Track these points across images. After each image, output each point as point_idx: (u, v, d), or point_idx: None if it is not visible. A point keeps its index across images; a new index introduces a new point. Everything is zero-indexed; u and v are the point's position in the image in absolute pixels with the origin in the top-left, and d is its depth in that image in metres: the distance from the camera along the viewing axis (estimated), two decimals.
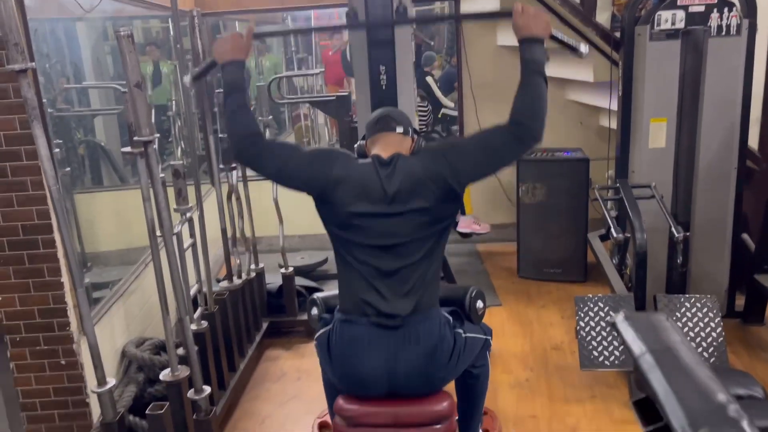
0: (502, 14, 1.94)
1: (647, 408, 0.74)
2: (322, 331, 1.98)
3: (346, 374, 1.91)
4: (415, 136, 2.03)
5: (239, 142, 1.91)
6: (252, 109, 2.12)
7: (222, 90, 1.98)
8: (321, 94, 4.32)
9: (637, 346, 0.76)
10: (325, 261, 4.14)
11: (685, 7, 2.95)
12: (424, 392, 1.91)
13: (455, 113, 5.53)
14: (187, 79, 2.19)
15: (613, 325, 0.84)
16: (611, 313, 2.67)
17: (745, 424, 0.61)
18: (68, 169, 3.30)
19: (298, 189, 1.93)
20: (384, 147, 1.95)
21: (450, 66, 7.16)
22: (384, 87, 2.33)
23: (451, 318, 1.95)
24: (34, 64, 1.92)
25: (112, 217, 3.84)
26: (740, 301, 3.26)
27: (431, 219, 1.85)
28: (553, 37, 1.89)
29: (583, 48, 1.92)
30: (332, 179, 1.86)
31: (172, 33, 5.43)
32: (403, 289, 1.85)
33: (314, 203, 1.93)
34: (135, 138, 1.95)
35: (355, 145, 2.10)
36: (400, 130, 1.97)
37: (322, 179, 1.87)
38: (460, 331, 1.96)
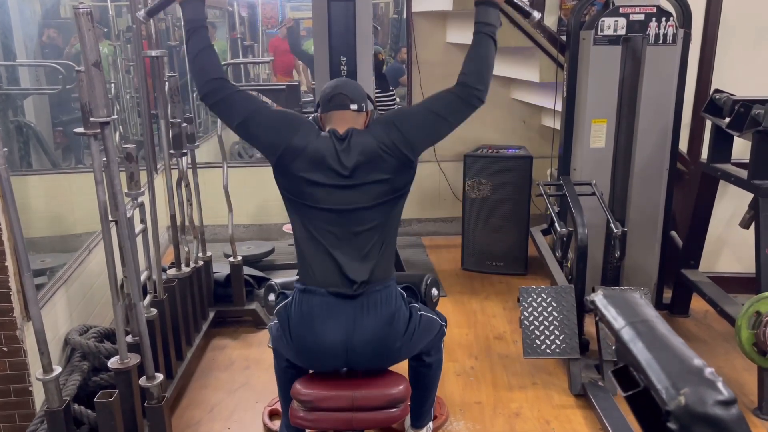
0: None
1: (623, 376, 0.81)
2: (281, 305, 2.01)
3: (304, 345, 1.93)
4: (370, 109, 2.04)
5: (205, 85, 1.91)
6: None
7: (183, 32, 1.95)
8: (271, 83, 4.28)
9: (617, 320, 0.84)
10: (272, 251, 4.13)
11: (626, 15, 3.11)
12: (380, 364, 1.96)
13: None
14: (141, 13, 2.06)
15: (593, 303, 0.91)
16: (553, 303, 2.80)
17: (720, 384, 0.70)
18: (5, 149, 3.15)
19: (256, 148, 1.97)
20: (339, 124, 1.96)
21: (396, 61, 7.23)
22: (344, 76, 2.35)
23: (405, 293, 2.03)
24: None
25: (44, 202, 3.69)
26: (668, 294, 3.48)
27: (390, 188, 1.91)
28: (507, 1, 1.98)
29: (536, 14, 2.01)
30: (290, 148, 1.88)
31: (112, 12, 5.25)
32: (360, 253, 1.90)
33: (273, 170, 1.95)
34: (91, 119, 1.90)
35: (310, 117, 2.10)
36: (354, 107, 1.97)
37: (282, 146, 1.89)
38: (416, 305, 2.03)
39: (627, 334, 0.79)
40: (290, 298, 1.98)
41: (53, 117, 4.85)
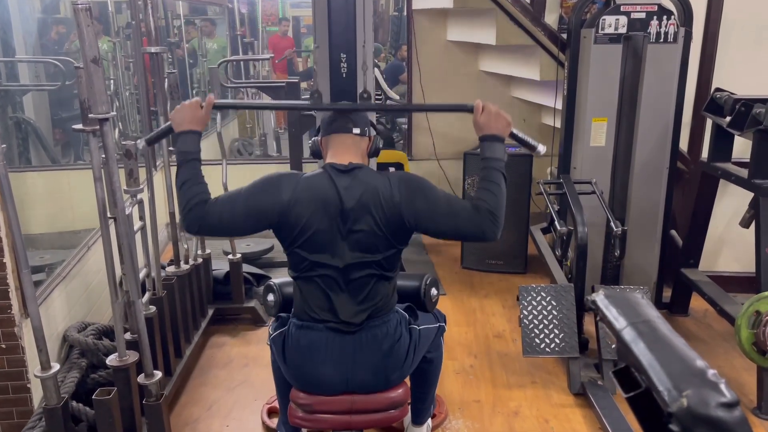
0: (463, 108, 1.91)
1: (625, 377, 0.81)
2: (277, 332, 1.97)
3: (302, 378, 1.91)
4: (372, 135, 2.00)
5: (187, 214, 1.81)
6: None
7: (175, 158, 1.89)
8: (270, 80, 4.27)
9: (618, 320, 0.83)
10: (272, 248, 4.12)
11: (627, 13, 3.10)
12: (381, 389, 1.93)
13: None
14: (141, 143, 2.08)
15: (594, 303, 0.90)
16: (553, 302, 2.80)
17: (723, 386, 0.69)
18: (4, 146, 3.14)
19: (256, 228, 1.86)
20: (339, 151, 1.91)
21: (395, 59, 7.24)
22: (344, 75, 2.34)
23: (407, 315, 1.99)
24: None
25: (43, 198, 3.68)
26: (667, 293, 3.48)
27: (381, 242, 1.83)
28: (512, 135, 1.91)
29: (541, 148, 1.93)
30: (285, 203, 1.80)
31: (111, 8, 5.24)
32: (358, 298, 1.85)
33: (273, 232, 1.88)
34: (90, 115, 1.89)
35: (309, 142, 2.08)
36: (356, 131, 1.92)
37: (277, 206, 1.81)
38: (415, 326, 1.99)
39: (628, 334, 0.79)
40: (287, 327, 1.93)
41: (53, 113, 4.84)
